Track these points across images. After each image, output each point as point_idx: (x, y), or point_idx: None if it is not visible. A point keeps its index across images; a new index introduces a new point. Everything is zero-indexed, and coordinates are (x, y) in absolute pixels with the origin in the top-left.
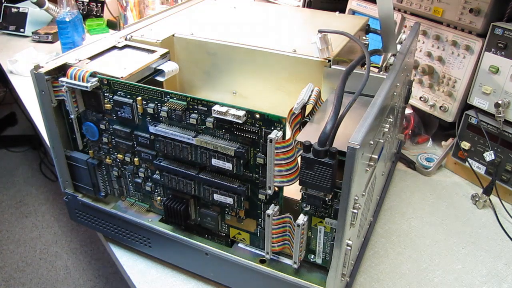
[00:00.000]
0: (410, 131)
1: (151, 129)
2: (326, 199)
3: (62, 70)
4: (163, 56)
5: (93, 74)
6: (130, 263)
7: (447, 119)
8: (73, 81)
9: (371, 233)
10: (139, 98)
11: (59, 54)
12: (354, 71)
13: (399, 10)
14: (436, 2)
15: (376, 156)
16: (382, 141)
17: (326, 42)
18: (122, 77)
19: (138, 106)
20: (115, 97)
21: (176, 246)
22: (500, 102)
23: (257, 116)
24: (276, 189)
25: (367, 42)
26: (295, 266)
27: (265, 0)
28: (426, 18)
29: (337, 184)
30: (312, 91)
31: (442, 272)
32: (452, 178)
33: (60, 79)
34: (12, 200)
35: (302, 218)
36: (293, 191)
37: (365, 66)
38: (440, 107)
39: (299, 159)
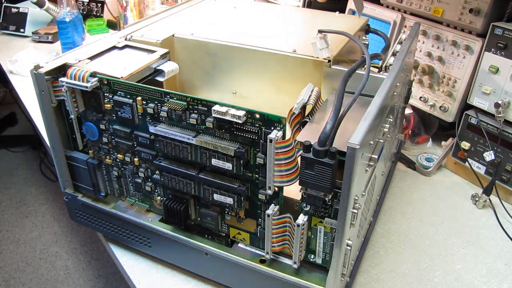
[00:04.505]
0: (410, 131)
1: (151, 129)
2: (326, 199)
3: (62, 70)
4: (163, 56)
5: (93, 74)
6: (130, 263)
7: (447, 119)
8: (73, 81)
9: (371, 233)
10: (139, 98)
11: (59, 54)
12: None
13: (399, 10)
14: (436, 2)
15: (376, 156)
16: (382, 141)
17: (326, 42)
18: (122, 77)
19: (138, 106)
20: (115, 97)
21: (176, 246)
22: (500, 102)
23: (257, 116)
24: (276, 189)
25: (367, 42)
26: (295, 266)
27: (265, 0)
28: (426, 18)
29: (337, 184)
30: (312, 91)
31: (442, 272)
32: (452, 178)
33: (60, 79)
34: (12, 200)
35: (302, 218)
36: (293, 191)
37: (365, 66)
38: (440, 107)
39: (299, 159)
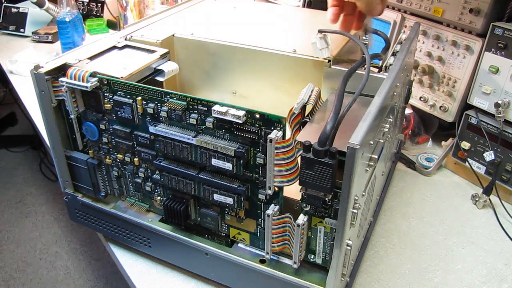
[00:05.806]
0: (410, 131)
1: (151, 129)
2: (326, 199)
3: (62, 70)
4: (163, 56)
5: (93, 74)
6: (130, 263)
7: (447, 119)
8: (73, 81)
9: (371, 233)
10: (139, 98)
11: (59, 54)
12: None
13: (399, 10)
14: (436, 2)
15: (376, 156)
16: (382, 141)
17: (326, 42)
18: (122, 77)
19: (138, 106)
20: (115, 97)
21: (176, 246)
22: (500, 102)
23: (257, 116)
24: (276, 189)
25: (367, 42)
26: (295, 266)
27: (265, 0)
28: (426, 18)
29: (337, 184)
30: (312, 91)
31: (442, 272)
32: (452, 178)
33: (60, 79)
34: (12, 200)
35: (302, 218)
36: (293, 191)
37: (365, 66)
38: (440, 107)
39: (299, 159)
